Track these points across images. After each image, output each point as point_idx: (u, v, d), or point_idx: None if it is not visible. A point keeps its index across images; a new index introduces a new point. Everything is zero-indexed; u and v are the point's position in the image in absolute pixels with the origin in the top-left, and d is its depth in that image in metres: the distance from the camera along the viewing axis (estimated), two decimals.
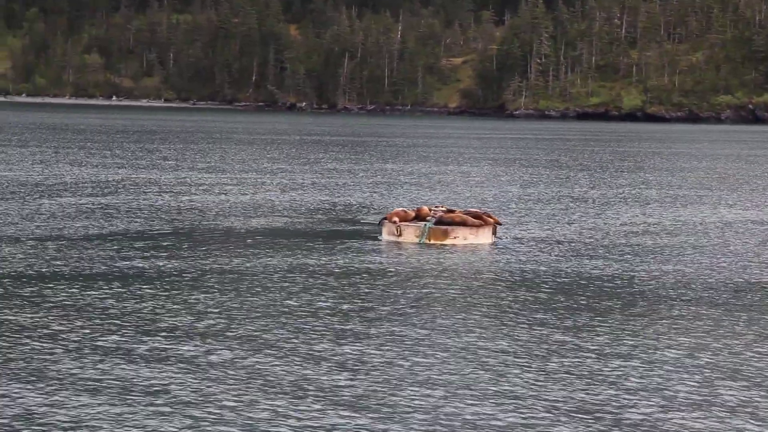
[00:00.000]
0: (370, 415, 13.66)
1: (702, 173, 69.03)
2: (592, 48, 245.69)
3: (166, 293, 23.19)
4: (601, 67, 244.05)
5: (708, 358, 17.90)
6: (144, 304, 21.80)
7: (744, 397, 15.14)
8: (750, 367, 17.27)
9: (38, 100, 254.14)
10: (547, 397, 15.08)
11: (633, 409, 14.13)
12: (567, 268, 27.79)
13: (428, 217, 32.77)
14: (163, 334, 19.16)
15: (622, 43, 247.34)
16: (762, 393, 15.30)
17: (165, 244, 31.12)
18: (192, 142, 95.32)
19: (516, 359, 17.43)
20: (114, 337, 18.83)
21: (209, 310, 21.44)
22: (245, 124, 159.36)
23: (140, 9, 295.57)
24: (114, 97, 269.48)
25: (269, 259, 28.39)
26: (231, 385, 15.85)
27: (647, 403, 14.51)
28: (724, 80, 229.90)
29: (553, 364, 16.87)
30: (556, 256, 30.02)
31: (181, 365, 16.98)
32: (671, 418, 13.60)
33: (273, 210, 41.26)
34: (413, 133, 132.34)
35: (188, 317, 20.72)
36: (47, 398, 14.64)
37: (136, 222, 36.38)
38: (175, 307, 21.80)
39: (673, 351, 18.20)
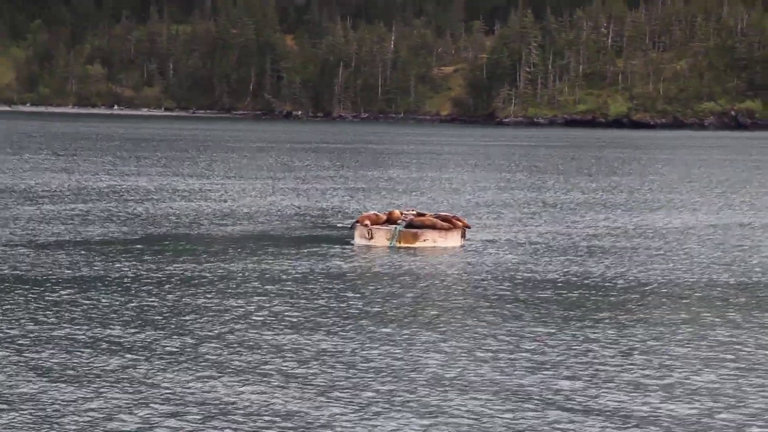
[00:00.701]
0: (350, 406, 13.80)
1: (673, 178, 69.12)
2: (580, 57, 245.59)
3: (136, 296, 23.25)
4: (588, 75, 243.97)
5: (670, 346, 18.58)
6: (128, 305, 21.99)
7: (706, 380, 15.68)
8: (705, 352, 18.03)
9: (42, 109, 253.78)
10: (519, 386, 15.55)
11: (607, 397, 14.55)
12: (530, 268, 28.15)
13: (399, 221, 32.99)
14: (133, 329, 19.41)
15: (609, 52, 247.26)
16: (724, 376, 15.96)
17: (139, 249, 31.06)
18: (184, 150, 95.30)
19: (482, 352, 17.79)
20: (106, 331, 19.22)
21: (185, 311, 21.56)
22: (241, 132, 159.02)
23: (141, 20, 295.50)
24: (116, 106, 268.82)
25: (242, 263, 28.49)
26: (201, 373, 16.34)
27: (619, 390, 15.08)
28: (708, 88, 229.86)
29: (519, 355, 17.38)
30: (520, 257, 30.32)
31: (140, 353, 17.53)
32: (643, 404, 14.03)
33: (251, 215, 41.40)
34: (402, 140, 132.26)
35: (165, 317, 20.98)
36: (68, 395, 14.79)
37: (114, 227, 36.43)
38: (150, 307, 21.96)
39: (638, 341, 18.82)
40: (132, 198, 47.88)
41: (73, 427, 12.79)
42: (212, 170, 69.46)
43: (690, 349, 18.76)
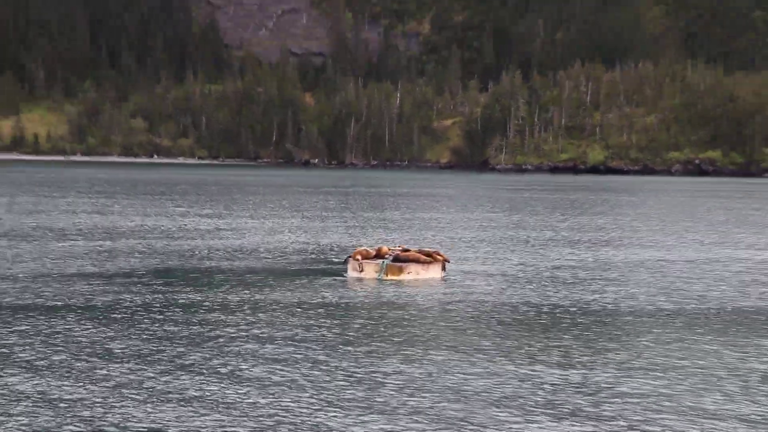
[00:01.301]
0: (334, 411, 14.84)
1: (634, 218, 68.96)
2: (562, 111, 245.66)
3: (149, 323, 23.57)
4: (569, 127, 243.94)
5: (637, 361, 19.50)
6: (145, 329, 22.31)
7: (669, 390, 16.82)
8: (666, 365, 18.98)
9: (90, 158, 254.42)
10: (494, 394, 16.60)
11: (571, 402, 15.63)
12: (500, 296, 28.51)
13: (386, 255, 33.24)
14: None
15: (588, 107, 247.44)
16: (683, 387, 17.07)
17: (152, 280, 31.15)
18: (209, 194, 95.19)
19: (458, 368, 18.49)
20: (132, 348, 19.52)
21: (187, 338, 21.76)
22: (263, 177, 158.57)
23: (178, 81, 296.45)
24: (155, 155, 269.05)
25: (244, 293, 28.58)
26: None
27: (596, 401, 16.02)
28: (674, 139, 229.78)
29: (492, 368, 18.38)
30: (492, 287, 30.62)
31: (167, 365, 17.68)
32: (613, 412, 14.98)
33: (258, 250, 41.32)
34: (403, 185, 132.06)
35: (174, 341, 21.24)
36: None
37: (134, 261, 36.49)
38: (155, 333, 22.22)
39: (610, 359, 19.61)
40: (153, 236, 47.86)
41: None
42: (229, 211, 69.20)
43: (627, 360, 19.39)
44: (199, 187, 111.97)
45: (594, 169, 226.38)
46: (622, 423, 15.00)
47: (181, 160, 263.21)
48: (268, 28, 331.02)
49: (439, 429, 14.53)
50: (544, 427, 14.76)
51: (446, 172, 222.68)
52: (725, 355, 20.50)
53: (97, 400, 15.69)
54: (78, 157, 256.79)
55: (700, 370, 18.86)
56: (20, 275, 31.52)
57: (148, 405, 15.53)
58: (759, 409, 15.87)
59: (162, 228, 52.64)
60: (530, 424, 15.03)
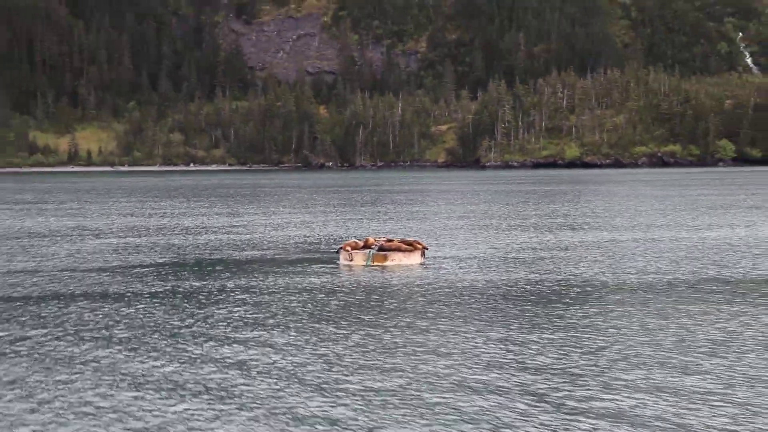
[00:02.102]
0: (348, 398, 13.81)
1: (598, 205, 68.37)
2: (542, 114, 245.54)
3: (160, 306, 23.56)
4: (549, 128, 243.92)
5: (608, 338, 18.63)
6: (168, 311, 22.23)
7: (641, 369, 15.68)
8: (639, 344, 18.03)
9: (135, 168, 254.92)
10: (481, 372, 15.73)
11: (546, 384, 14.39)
12: (473, 278, 28.29)
13: (372, 245, 33.01)
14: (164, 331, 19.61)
15: (564, 111, 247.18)
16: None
17: (167, 270, 31.23)
18: (232, 195, 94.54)
19: (433, 343, 18.10)
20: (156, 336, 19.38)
21: (200, 317, 21.73)
22: (282, 180, 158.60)
23: (209, 99, 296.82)
24: (191, 164, 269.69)
25: (249, 278, 28.61)
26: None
27: (559, 379, 14.91)
28: (640, 136, 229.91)
29: (466, 345, 17.70)
30: (465, 270, 30.37)
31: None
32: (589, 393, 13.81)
33: (264, 242, 41.19)
34: (402, 183, 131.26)
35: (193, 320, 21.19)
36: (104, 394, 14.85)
37: (155, 254, 36.41)
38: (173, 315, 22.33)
39: (582, 335, 18.88)
40: (175, 232, 47.71)
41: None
42: (246, 209, 68.71)
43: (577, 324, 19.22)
44: (227, 189, 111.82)
45: (571, 164, 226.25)
46: (566, 366, 15.33)
47: (214, 167, 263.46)
48: (286, 51, 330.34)
49: (419, 382, 14.73)
50: (510, 381, 14.81)
51: (443, 170, 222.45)
52: (648, 322, 20.51)
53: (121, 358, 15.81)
54: (125, 168, 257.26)
55: (625, 331, 18.96)
56: (56, 268, 31.43)
57: (154, 361, 15.59)
58: (660, 352, 16.00)
59: (185, 225, 52.52)
60: (495, 375, 15.24)
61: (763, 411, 13.05)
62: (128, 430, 12.79)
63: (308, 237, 43.88)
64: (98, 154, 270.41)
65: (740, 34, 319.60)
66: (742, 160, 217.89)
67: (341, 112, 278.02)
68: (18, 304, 24.13)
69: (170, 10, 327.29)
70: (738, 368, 15.67)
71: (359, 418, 12.93)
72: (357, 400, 13.88)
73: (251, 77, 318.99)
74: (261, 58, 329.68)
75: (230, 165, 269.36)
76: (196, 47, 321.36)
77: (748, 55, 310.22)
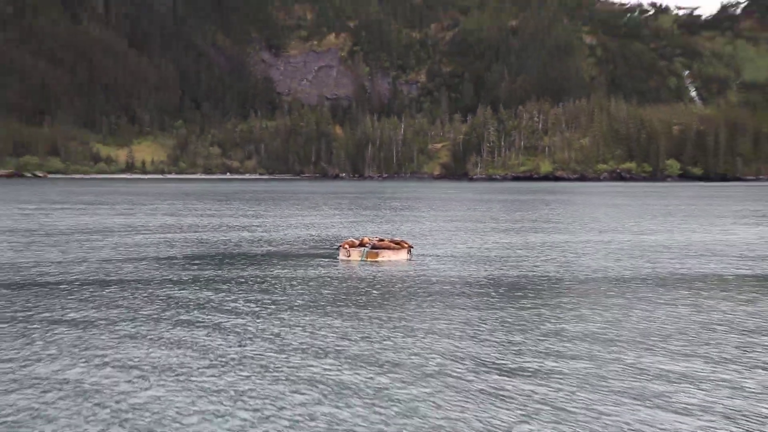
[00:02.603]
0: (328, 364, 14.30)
1: (562, 212, 68.10)
2: (521, 136, 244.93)
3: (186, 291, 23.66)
4: (526, 147, 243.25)
5: (548, 318, 18.98)
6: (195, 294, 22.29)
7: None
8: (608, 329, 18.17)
9: (181, 176, 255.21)
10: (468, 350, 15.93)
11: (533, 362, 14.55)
12: (451, 272, 28.38)
13: (367, 244, 33.01)
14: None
15: (539, 132, 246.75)
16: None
17: (193, 262, 31.18)
18: (258, 199, 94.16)
19: (417, 324, 18.35)
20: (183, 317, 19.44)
21: (213, 300, 21.79)
22: (303, 187, 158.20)
23: (243, 118, 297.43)
24: (227, 173, 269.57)
25: (261, 269, 28.63)
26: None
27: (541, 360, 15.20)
28: (602, 155, 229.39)
29: (449, 326, 17.90)
30: (446, 265, 30.39)
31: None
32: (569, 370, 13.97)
33: (276, 240, 41.02)
34: (402, 191, 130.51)
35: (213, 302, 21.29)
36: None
37: (186, 248, 36.30)
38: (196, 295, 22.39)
39: (529, 316, 19.20)
40: (205, 229, 47.55)
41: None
42: (267, 211, 68.15)
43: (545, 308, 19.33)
44: (255, 194, 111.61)
45: (545, 177, 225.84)
46: (510, 339, 15.36)
47: (246, 176, 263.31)
48: (309, 80, 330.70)
49: (395, 348, 15.21)
50: (463, 350, 15.18)
51: (437, 182, 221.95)
52: (581, 306, 20.64)
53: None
54: (172, 176, 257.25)
55: (561, 314, 19.01)
56: (101, 258, 31.48)
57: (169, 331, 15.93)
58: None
59: (214, 224, 52.35)
60: (451, 345, 15.71)
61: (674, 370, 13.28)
62: (144, 378, 12.97)
63: (315, 236, 43.75)
64: (151, 163, 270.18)
65: (686, 71, 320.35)
66: (685, 176, 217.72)
67: (354, 131, 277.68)
68: (64, 287, 24.26)
69: (211, 44, 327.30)
70: (649, 344, 15.91)
71: (346, 371, 13.36)
72: (349, 360, 14.55)
73: (279, 101, 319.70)
74: (287, 85, 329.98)
75: (260, 174, 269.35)
76: (232, 75, 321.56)
77: (692, 89, 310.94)
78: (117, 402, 12.44)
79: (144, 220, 56.80)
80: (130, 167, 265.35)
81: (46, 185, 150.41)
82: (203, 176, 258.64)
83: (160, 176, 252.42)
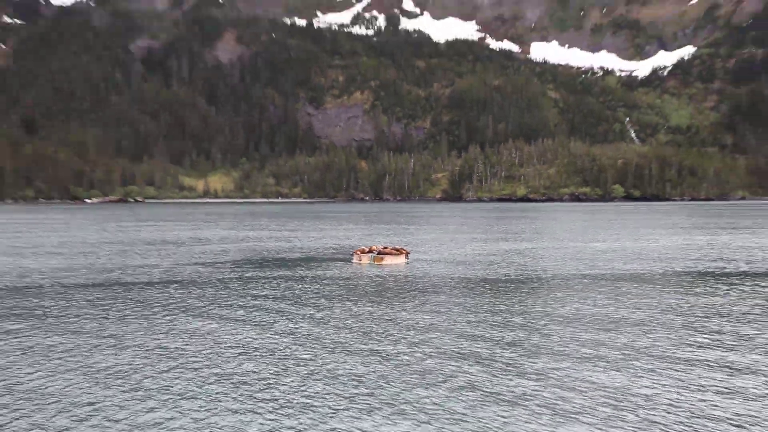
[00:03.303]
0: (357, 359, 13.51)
1: (531, 225, 67.37)
2: (502, 167, 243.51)
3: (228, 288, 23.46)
4: (506, 176, 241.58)
5: (568, 313, 18.22)
6: (230, 291, 22.11)
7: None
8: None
9: (244, 200, 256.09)
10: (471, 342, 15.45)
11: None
12: (443, 272, 28.04)
13: (374, 251, 33.03)
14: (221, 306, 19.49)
15: (516, 165, 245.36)
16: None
17: (234, 266, 31.05)
18: (299, 217, 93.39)
19: (408, 315, 17.96)
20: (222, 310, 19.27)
21: (251, 300, 21.51)
22: (333, 207, 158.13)
23: (291, 156, 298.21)
24: (279, 197, 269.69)
25: (288, 271, 28.41)
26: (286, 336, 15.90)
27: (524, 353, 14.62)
28: (564, 182, 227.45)
29: (436, 321, 17.23)
30: (437, 267, 30.07)
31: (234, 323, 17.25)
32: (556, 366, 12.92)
33: (307, 247, 40.82)
34: (408, 211, 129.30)
35: (248, 299, 20.99)
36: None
37: (240, 254, 36.21)
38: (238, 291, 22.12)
39: (502, 313, 18.48)
40: (250, 240, 47.12)
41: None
42: (303, 226, 67.69)
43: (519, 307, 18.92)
44: (298, 213, 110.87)
45: (520, 199, 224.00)
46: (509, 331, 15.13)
47: (293, 200, 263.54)
48: (340, 127, 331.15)
49: (393, 335, 14.72)
50: (443, 341, 14.59)
51: (439, 203, 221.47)
52: (533, 307, 20.38)
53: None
54: (238, 200, 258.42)
55: (525, 308, 18.77)
56: (171, 262, 31.71)
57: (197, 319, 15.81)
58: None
59: (258, 236, 52.04)
60: (437, 336, 15.03)
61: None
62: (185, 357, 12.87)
63: (335, 244, 43.56)
64: (221, 191, 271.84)
65: (627, 119, 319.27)
66: (628, 197, 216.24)
67: (375, 165, 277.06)
68: (141, 286, 24.30)
69: (269, 101, 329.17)
70: (583, 332, 15.61)
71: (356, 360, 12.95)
72: (358, 351, 13.97)
73: (318, 143, 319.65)
74: (324, 131, 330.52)
75: (303, 198, 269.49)
76: (283, 124, 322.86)
77: (632, 132, 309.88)
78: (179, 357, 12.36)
79: (209, 232, 56.94)
80: (206, 194, 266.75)
81: (143, 208, 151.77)
82: (261, 200, 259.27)
83: (229, 200, 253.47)
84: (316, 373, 12.19)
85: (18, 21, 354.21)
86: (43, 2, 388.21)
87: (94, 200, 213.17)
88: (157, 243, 45.07)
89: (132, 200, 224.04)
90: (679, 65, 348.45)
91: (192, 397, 10.99)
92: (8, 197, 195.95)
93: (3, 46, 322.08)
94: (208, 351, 13.75)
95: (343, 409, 10.52)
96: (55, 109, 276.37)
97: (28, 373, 12.18)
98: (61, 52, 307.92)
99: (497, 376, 11.85)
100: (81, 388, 11.33)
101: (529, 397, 10.97)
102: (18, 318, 17.59)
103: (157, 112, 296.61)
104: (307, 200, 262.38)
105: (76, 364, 12.65)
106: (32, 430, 9.73)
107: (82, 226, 67.05)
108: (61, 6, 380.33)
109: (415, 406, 10.69)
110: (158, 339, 14.89)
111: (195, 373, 12.19)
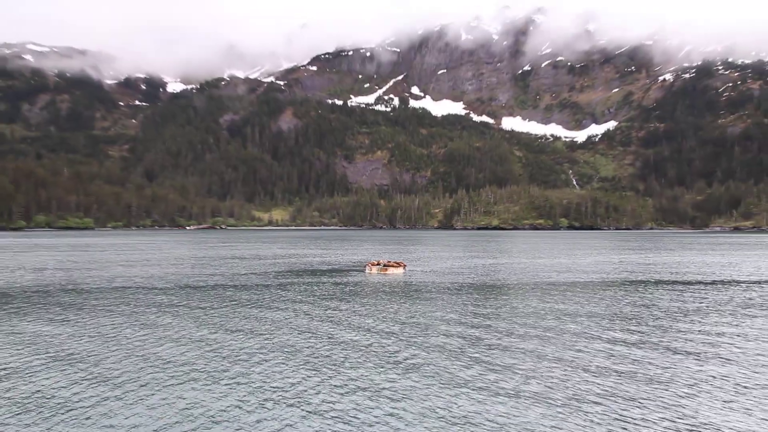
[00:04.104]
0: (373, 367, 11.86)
1: (497, 247, 65.63)
2: (481, 206, 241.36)
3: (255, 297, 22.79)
4: (484, 211, 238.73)
5: (517, 305, 18.22)
6: (256, 298, 21.52)
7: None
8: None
9: (296, 228, 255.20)
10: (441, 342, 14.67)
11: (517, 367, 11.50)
12: (432, 281, 27.46)
13: (381, 263, 32.64)
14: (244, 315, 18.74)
15: (491, 203, 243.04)
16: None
17: (277, 275, 30.48)
18: (331, 240, 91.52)
19: (407, 317, 17.10)
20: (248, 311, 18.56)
21: (269, 305, 20.80)
22: (359, 233, 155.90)
23: (330, 196, 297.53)
24: (322, 226, 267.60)
25: (317, 279, 28.00)
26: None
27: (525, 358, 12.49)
28: (525, 215, 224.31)
29: (429, 319, 16.51)
30: (430, 276, 29.50)
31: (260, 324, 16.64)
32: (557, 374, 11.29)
33: (330, 261, 40.06)
34: (412, 236, 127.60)
35: (270, 307, 20.41)
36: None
37: (278, 267, 35.67)
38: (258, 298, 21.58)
39: (482, 300, 18.77)
40: (292, 257, 46.09)
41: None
42: (332, 246, 65.34)
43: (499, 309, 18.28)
44: (333, 237, 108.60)
45: (495, 228, 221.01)
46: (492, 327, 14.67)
47: (332, 228, 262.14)
48: (366, 175, 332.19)
49: (402, 343, 13.67)
50: (428, 336, 14.20)
51: (436, 231, 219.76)
52: (518, 310, 19.88)
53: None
54: (292, 228, 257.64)
55: (486, 310, 18.25)
56: (229, 272, 31.34)
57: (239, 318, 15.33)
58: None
59: (302, 253, 50.99)
60: (456, 329, 14.54)
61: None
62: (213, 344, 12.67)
63: (352, 259, 42.94)
64: (281, 221, 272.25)
65: (570, 171, 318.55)
66: (571, 227, 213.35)
67: (390, 203, 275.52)
68: (198, 288, 24.20)
69: (316, 157, 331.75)
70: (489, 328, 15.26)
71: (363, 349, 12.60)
72: (366, 334, 13.84)
73: (350, 187, 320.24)
74: (354, 178, 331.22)
75: (339, 226, 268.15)
76: (325, 173, 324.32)
77: (574, 181, 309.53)
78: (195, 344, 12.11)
79: (265, 250, 56.38)
80: (270, 223, 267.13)
81: (225, 233, 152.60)
82: (308, 228, 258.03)
83: (285, 228, 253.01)
84: (330, 342, 11.97)
85: (144, 103, 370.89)
86: (162, 90, 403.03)
87: (192, 227, 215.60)
88: (228, 258, 44.79)
89: (218, 227, 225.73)
90: (606, 134, 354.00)
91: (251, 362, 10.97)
92: (133, 225, 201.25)
93: (134, 121, 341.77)
94: (256, 333, 13.63)
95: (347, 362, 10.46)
96: (167, 164, 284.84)
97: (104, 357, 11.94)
98: (172, 124, 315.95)
99: (471, 350, 11.68)
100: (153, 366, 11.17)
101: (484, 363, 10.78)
102: (93, 312, 17.34)
103: (236, 165, 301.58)
104: (342, 227, 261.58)
105: (142, 351, 12.43)
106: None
107: (181, 243, 67.32)
108: (174, 92, 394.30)
109: (393, 362, 10.52)
110: (204, 332, 14.72)
111: (249, 342, 12.04)
